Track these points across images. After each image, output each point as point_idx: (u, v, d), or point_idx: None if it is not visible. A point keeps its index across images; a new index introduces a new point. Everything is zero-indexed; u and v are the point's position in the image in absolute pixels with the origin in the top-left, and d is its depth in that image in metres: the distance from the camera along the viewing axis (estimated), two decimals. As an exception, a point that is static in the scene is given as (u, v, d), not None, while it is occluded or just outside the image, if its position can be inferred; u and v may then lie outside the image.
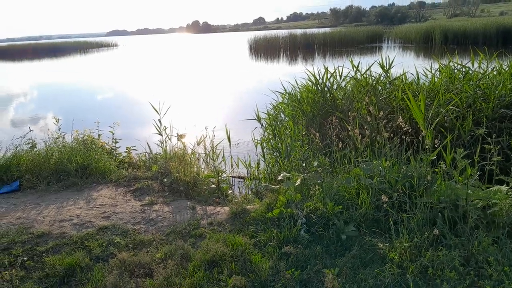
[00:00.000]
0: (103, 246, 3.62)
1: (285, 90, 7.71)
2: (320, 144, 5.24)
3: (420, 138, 3.85)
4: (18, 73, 32.64)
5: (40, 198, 4.79)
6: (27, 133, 5.95)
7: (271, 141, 7.09)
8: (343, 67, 7.14)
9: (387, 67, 6.90)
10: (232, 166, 7.10)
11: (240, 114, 10.05)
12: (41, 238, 3.80)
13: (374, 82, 6.45)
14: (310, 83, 6.96)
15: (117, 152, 6.82)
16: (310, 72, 6.76)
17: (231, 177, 6.69)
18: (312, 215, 3.71)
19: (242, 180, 6.60)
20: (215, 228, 3.91)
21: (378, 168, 4.07)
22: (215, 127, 6.80)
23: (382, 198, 3.35)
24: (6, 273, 3.24)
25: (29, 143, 5.91)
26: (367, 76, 6.72)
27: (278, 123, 7.52)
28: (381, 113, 4.18)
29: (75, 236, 3.80)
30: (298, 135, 5.64)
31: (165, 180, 5.05)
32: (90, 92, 19.10)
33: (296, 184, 4.29)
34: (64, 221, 4.14)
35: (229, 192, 5.14)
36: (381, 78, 7.00)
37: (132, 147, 6.99)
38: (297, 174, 4.54)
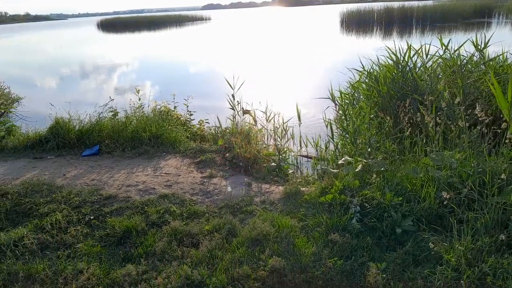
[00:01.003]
0: (160, 213, 3.82)
1: (363, 68, 7.26)
2: (391, 128, 4.88)
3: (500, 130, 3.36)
4: (120, 44, 35.55)
5: (114, 163, 5.20)
6: (109, 102, 6.45)
7: (345, 122, 6.79)
8: (430, 44, 6.49)
9: (482, 46, 6.11)
10: (300, 145, 6.97)
11: (318, 90, 9.76)
12: (108, 200, 4.14)
13: (463, 62, 5.76)
14: (391, 61, 6.46)
15: (191, 124, 7.10)
16: (390, 49, 6.26)
17: (298, 156, 6.59)
18: (367, 204, 3.50)
19: (310, 160, 6.47)
20: (266, 207, 3.89)
21: (449, 159, 3.67)
22: (286, 104, 6.70)
23: (443, 194, 3.01)
24: (72, 229, 3.59)
25: (111, 111, 6.40)
26: (457, 56, 6.03)
27: (355, 102, 7.16)
28: (457, 99, 3.71)
29: (138, 201, 4.06)
30: (367, 118, 5.32)
31: (227, 154, 5.14)
32: (180, 64, 20.07)
33: (356, 170, 4.08)
34: (130, 186, 4.45)
35: (290, 171, 5.06)
36: (475, 58, 6.25)
37: (205, 120, 7.22)
38: (360, 159, 4.30)
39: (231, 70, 15.28)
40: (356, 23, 37.39)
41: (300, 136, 7.05)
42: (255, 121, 7.02)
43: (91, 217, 3.83)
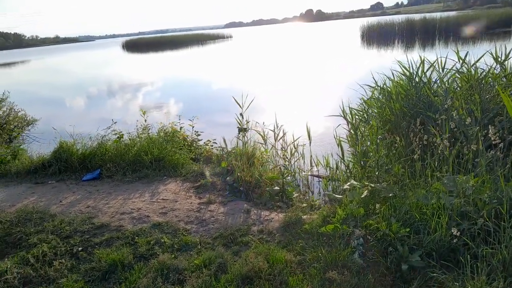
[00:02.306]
0: (150, 244, 3.60)
1: (376, 84, 6.93)
2: (402, 149, 4.55)
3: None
4: (144, 64, 36.36)
5: (113, 188, 5.05)
6: (112, 124, 6.35)
7: (357, 141, 6.47)
8: (446, 57, 6.13)
9: (503, 57, 5.72)
10: (311, 164, 6.67)
11: (335, 106, 9.47)
12: (100, 230, 3.96)
13: (480, 76, 5.37)
14: (404, 77, 6.13)
15: (197, 144, 6.93)
16: (402, 64, 5.94)
17: (309, 176, 6.30)
18: (369, 237, 3.18)
19: (321, 180, 6.17)
20: (264, 237, 3.62)
21: (464, 185, 3.32)
22: (301, 121, 6.44)
23: (453, 231, 2.67)
24: (58, 262, 3.41)
25: (116, 134, 6.30)
26: (474, 69, 5.64)
27: (369, 119, 6.83)
28: (468, 119, 3.37)
29: (129, 230, 3.87)
30: (375, 138, 4.99)
31: (228, 178, 4.91)
32: (202, 82, 20.14)
33: (362, 196, 3.76)
34: (124, 214, 4.26)
35: (295, 195, 4.77)
36: (496, 71, 5.86)
37: (213, 139, 7.03)
38: (367, 183, 3.98)
39: (250, 87, 15.48)
40: (377, 36, 36.95)
41: (311, 156, 6.77)
42: (265, 140, 6.79)
43: (79, 249, 3.65)
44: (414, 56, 6.25)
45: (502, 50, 5.93)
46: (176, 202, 4.50)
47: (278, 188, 4.68)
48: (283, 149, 6.61)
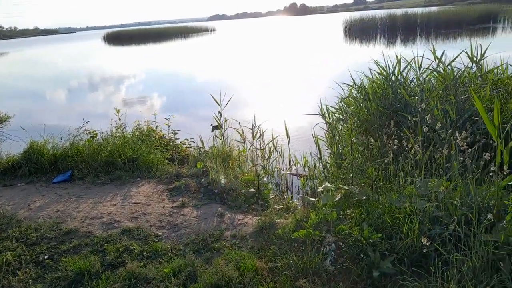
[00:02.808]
0: (119, 251, 3.50)
1: (353, 82, 6.90)
2: (376, 151, 4.53)
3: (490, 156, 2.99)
4: (125, 56, 35.71)
5: (84, 191, 4.91)
6: (83, 124, 6.16)
7: (334, 140, 6.45)
8: (423, 56, 6.15)
9: (478, 57, 5.75)
10: (289, 163, 6.64)
11: (314, 104, 9.43)
12: (68, 236, 3.83)
13: (456, 76, 5.38)
14: (380, 76, 6.11)
15: (174, 143, 6.80)
16: (377, 63, 5.93)
17: (288, 174, 6.27)
18: (341, 243, 3.14)
19: (299, 178, 6.15)
20: (236, 243, 3.55)
21: (437, 189, 3.31)
22: (281, 119, 6.38)
23: (423, 241, 2.66)
24: (22, 272, 3.28)
25: (89, 133, 6.12)
26: (450, 69, 5.66)
27: (347, 118, 6.80)
28: (439, 124, 3.35)
29: (98, 237, 3.75)
30: (349, 140, 4.97)
31: (202, 180, 4.82)
32: (183, 76, 19.88)
33: (336, 200, 3.72)
34: (94, 219, 4.14)
35: (271, 196, 4.71)
36: (472, 70, 5.90)
37: (190, 139, 6.92)
38: (341, 186, 3.94)
39: (232, 81, 15.40)
40: (360, 32, 37.15)
41: (289, 155, 6.72)
42: (243, 139, 6.72)
43: (45, 257, 3.52)
44: (396, 51, 6.24)
45: (478, 49, 5.97)
46: (149, 206, 4.39)
47: (254, 190, 4.61)
48: (261, 148, 6.55)
